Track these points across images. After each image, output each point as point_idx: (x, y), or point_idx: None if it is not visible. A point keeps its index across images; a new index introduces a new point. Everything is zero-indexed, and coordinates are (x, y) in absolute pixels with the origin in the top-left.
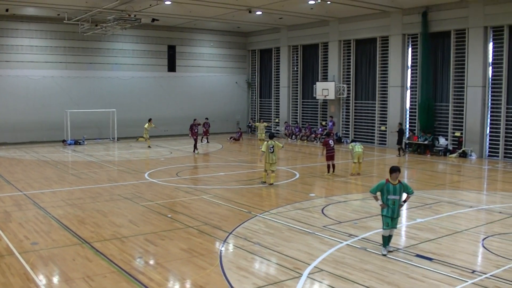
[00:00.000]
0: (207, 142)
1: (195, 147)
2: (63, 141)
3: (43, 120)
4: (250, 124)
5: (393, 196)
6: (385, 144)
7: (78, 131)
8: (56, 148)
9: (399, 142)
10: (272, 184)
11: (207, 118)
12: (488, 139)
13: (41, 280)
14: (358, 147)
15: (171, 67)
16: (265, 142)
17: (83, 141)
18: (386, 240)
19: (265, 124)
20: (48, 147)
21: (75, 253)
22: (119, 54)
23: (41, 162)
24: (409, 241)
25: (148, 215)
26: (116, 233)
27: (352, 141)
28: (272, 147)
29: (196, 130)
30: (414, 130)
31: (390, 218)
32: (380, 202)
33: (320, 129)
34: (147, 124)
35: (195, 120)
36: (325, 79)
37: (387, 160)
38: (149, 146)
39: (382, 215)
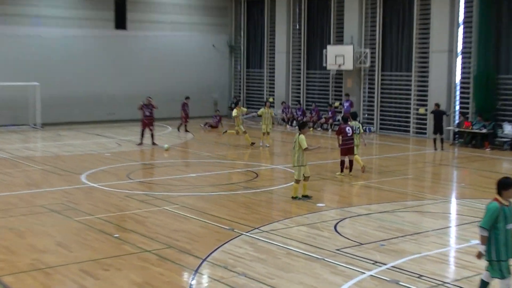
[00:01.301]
0: (178, 130)
1: (152, 137)
2: None
3: None
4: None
5: (511, 225)
6: (424, 133)
7: None
8: None
9: (438, 130)
10: (295, 197)
11: (187, 98)
12: None
13: None
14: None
15: (120, 23)
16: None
17: None
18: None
19: (271, 111)
20: None
21: None
22: (44, 3)
23: None
24: (460, 272)
25: (85, 234)
26: (38, 262)
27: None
28: (295, 142)
29: (148, 114)
30: (467, 113)
31: (506, 262)
32: (483, 248)
33: (329, 111)
34: (235, 110)
35: (149, 98)
36: (340, 42)
37: (427, 155)
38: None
39: (494, 261)
